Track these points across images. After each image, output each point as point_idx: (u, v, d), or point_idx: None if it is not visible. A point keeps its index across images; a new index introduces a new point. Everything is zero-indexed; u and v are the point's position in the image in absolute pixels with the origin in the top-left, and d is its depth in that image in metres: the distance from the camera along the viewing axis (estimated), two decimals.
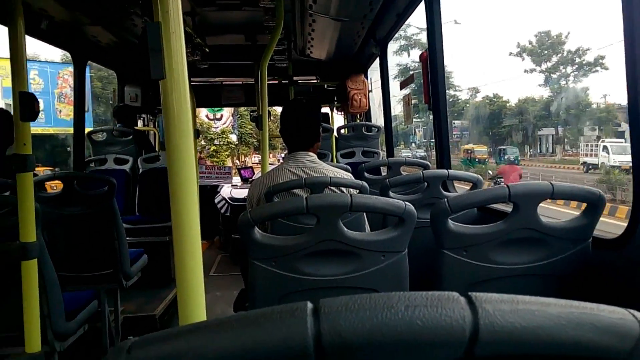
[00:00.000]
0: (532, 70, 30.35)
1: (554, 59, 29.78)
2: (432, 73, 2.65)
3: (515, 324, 0.33)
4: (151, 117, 6.04)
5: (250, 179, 6.33)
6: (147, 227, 3.87)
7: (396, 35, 3.91)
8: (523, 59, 30.32)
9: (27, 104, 1.52)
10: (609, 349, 0.34)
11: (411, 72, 3.36)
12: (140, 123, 5.36)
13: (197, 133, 4.72)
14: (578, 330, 0.34)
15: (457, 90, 31.20)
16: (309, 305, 0.34)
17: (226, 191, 5.82)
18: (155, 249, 3.65)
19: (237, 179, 6.72)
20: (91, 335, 2.28)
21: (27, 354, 1.55)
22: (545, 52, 29.75)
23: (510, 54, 30.76)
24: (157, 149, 5.06)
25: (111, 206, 2.55)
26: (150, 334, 0.35)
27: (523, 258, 1.31)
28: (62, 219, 2.52)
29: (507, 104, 30.85)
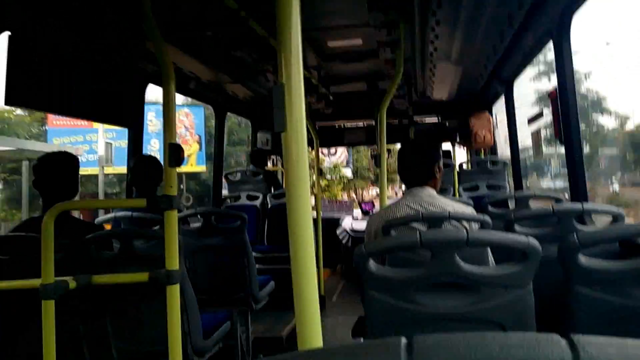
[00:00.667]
0: None
1: None
2: (562, 110, 2.50)
3: None
4: (280, 158, 6.51)
5: (370, 212, 6.39)
6: (274, 256, 4.14)
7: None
8: None
9: (174, 153, 1.78)
10: None
11: (542, 109, 3.16)
12: (270, 164, 5.81)
13: (320, 171, 4.98)
14: None
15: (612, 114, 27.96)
16: (403, 340, 0.34)
17: (347, 223, 5.96)
18: (282, 276, 3.86)
19: (357, 212, 6.84)
20: (225, 352, 2.48)
21: None
22: None
23: None
24: (284, 187, 5.40)
25: (243, 238, 2.80)
26: (267, 357, 0.39)
27: None
28: (201, 249, 2.83)
29: None
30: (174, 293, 1.78)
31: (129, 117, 2.96)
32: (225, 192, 5.06)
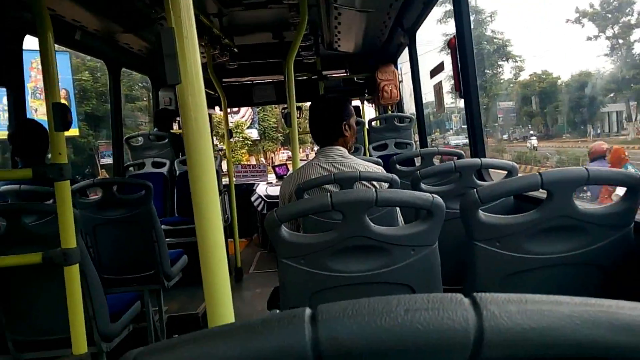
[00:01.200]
0: (595, 37, 24.35)
1: (624, 20, 23.89)
2: (461, 59, 2.58)
3: (523, 325, 0.31)
4: None
5: (284, 176, 6.39)
6: (185, 228, 3.96)
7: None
8: (583, 26, 24.68)
9: (60, 114, 1.58)
10: (629, 349, 0.31)
11: (441, 60, 3.26)
12: (175, 126, 5.49)
13: (230, 133, 4.79)
14: (593, 330, 0.31)
15: (519, 61, 26.95)
16: (307, 311, 0.33)
17: (262, 189, 5.89)
18: (195, 249, 3.74)
19: (272, 176, 6.79)
20: (137, 335, 2.36)
21: (74, 356, 1.61)
22: (610, 15, 23.96)
23: (568, 20, 24.95)
24: None
25: (149, 209, 2.62)
26: (154, 344, 0.36)
27: (560, 247, 1.25)
28: (103, 224, 2.62)
29: (559, 81, 26.53)
30: (73, 274, 1.64)
31: (5, 74, 2.61)
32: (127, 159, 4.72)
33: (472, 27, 2.63)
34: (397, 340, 0.31)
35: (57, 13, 2.95)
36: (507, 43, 25.93)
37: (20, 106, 2.83)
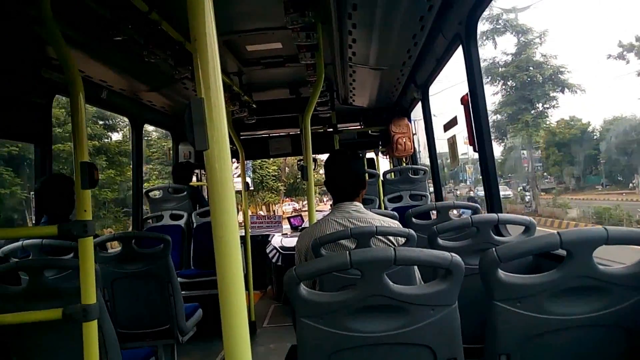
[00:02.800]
0: None
1: None
2: (474, 114, 2.63)
3: None
4: (204, 173, 6.30)
5: (300, 227, 6.38)
6: (202, 281, 3.96)
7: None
8: (628, 62, 20.89)
9: (87, 173, 1.64)
10: None
11: (455, 115, 3.32)
12: (194, 179, 5.60)
13: (247, 186, 4.86)
14: None
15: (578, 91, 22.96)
16: None
17: (277, 240, 5.88)
18: (211, 302, 3.72)
19: (287, 227, 6.79)
20: None
21: None
22: None
23: (610, 56, 21.26)
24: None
25: (166, 263, 2.64)
26: None
27: (582, 308, 1.23)
28: (121, 277, 2.64)
29: (589, 128, 23.26)
30: (92, 330, 1.64)
31: (34, 131, 2.72)
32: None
33: (484, 81, 2.70)
34: None
35: (85, 74, 3.11)
36: (561, 70, 22.36)
37: (47, 162, 2.94)
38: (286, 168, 27.31)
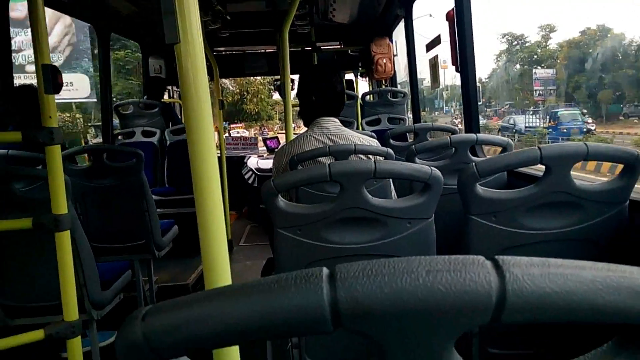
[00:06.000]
0: None
1: None
2: (459, 32, 2.54)
3: (546, 288, 0.31)
4: (176, 89, 6.07)
5: (275, 149, 6.34)
6: (176, 199, 3.94)
7: None
8: None
9: (50, 77, 1.53)
10: None
11: (438, 34, 3.20)
12: (166, 95, 5.39)
13: (221, 104, 4.72)
14: (615, 296, 0.31)
15: None
16: (325, 271, 0.32)
17: (253, 162, 5.86)
18: (186, 219, 3.73)
19: (263, 149, 6.75)
20: (127, 304, 2.36)
21: (65, 322, 1.60)
22: None
23: None
24: (183, 121, 5.11)
25: (140, 178, 2.59)
26: (165, 301, 0.35)
27: (555, 223, 1.26)
28: (93, 192, 2.58)
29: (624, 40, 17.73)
30: (64, 240, 1.61)
31: None
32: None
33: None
34: (417, 301, 0.31)
35: None
36: None
37: (7, 66, 2.74)
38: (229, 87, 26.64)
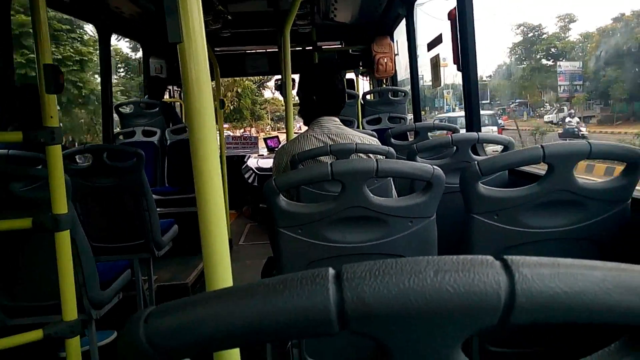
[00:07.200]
0: None
1: None
2: (461, 31, 2.53)
3: (555, 288, 0.30)
4: (177, 89, 6.06)
5: (276, 148, 6.34)
6: (176, 198, 3.93)
7: None
8: None
9: (51, 76, 1.52)
10: None
11: (440, 33, 3.19)
12: (166, 95, 5.39)
13: (222, 103, 4.71)
14: (627, 296, 0.30)
15: None
16: (331, 271, 0.32)
17: (253, 161, 5.86)
18: (186, 219, 3.72)
19: (263, 149, 6.74)
20: (127, 303, 2.35)
21: (64, 322, 1.60)
22: None
23: None
24: (183, 121, 5.10)
25: (140, 178, 2.58)
26: (168, 302, 0.34)
27: (558, 221, 1.25)
28: (93, 191, 2.57)
29: None
30: (64, 240, 1.61)
31: None
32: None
33: None
34: (425, 302, 0.30)
35: None
36: None
37: (8, 67, 2.73)
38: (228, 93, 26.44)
